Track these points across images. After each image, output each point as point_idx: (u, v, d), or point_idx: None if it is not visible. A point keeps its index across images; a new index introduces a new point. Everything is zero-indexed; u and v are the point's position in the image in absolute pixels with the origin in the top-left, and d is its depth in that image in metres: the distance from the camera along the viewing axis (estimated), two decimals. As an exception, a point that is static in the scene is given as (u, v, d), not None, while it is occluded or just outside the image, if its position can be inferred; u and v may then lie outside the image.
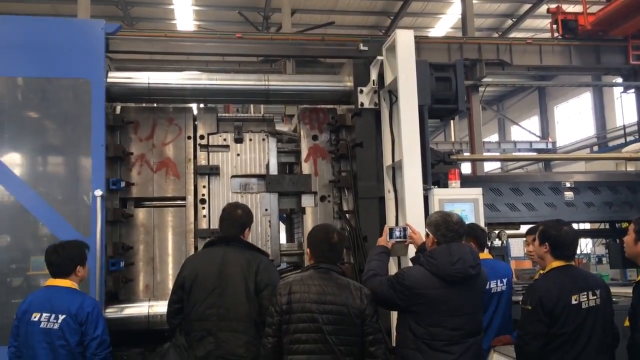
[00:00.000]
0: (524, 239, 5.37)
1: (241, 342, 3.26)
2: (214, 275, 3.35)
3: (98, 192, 4.18)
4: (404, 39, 4.56)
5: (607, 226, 6.75)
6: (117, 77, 4.84)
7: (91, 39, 4.41)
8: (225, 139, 5.17)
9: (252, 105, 12.33)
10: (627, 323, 3.31)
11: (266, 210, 5.09)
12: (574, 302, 3.15)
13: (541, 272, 4.13)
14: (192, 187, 4.99)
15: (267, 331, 3.04)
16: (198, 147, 5.09)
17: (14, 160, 4.30)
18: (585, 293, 3.18)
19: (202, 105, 5.47)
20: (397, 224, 4.60)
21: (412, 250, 3.69)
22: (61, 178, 4.39)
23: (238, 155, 5.17)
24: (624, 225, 6.36)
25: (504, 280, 4.28)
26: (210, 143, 5.12)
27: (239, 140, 5.18)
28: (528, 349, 3.19)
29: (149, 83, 4.86)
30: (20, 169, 4.29)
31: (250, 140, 5.22)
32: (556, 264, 3.30)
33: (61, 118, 4.41)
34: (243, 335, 3.27)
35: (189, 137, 5.08)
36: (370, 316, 3.04)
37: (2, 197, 4.22)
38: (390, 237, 3.58)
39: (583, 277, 3.29)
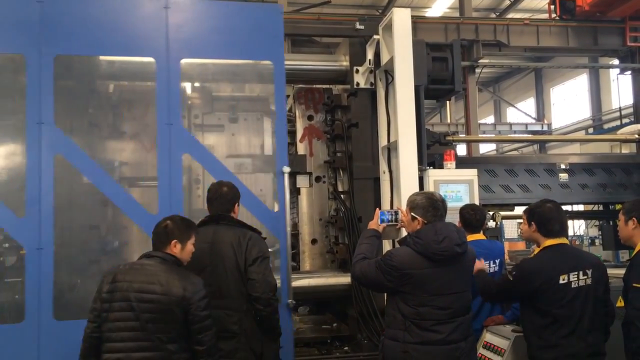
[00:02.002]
0: (520, 220, 5.38)
1: (234, 319, 3.29)
2: (205, 254, 3.36)
3: (286, 169, 4.27)
4: (401, 18, 4.51)
5: (601, 208, 6.78)
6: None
7: (273, 23, 4.47)
8: (219, 119, 5.13)
9: (246, 85, 12.24)
10: (620, 304, 3.34)
11: (261, 190, 5.07)
12: (562, 281, 3.18)
13: (535, 252, 4.14)
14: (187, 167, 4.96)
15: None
16: (192, 127, 5.05)
17: (210, 142, 4.58)
18: (576, 273, 3.21)
19: (196, 84, 5.42)
20: (392, 204, 4.60)
21: (404, 234, 3.69)
22: (250, 156, 4.70)
23: (233, 135, 5.14)
24: (618, 207, 6.39)
25: (497, 261, 4.30)
26: (205, 123, 5.08)
27: (233, 120, 5.14)
28: (485, 291, 3.53)
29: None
30: (217, 150, 4.53)
31: (245, 120, 5.18)
32: (548, 242, 3.32)
33: (248, 100, 4.75)
34: (235, 313, 3.30)
35: (183, 117, 5.04)
36: None
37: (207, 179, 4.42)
38: (382, 220, 3.58)
39: (575, 257, 3.32)
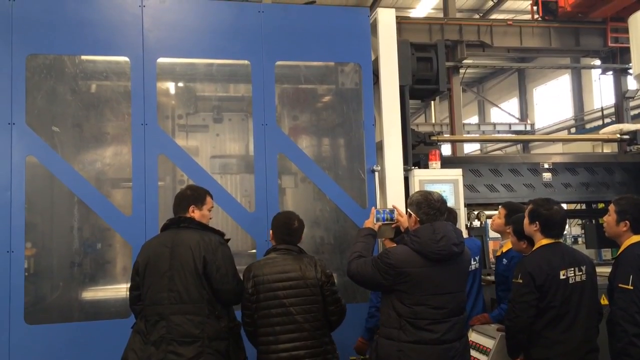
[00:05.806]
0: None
1: (195, 322, 3.22)
2: (166, 259, 3.30)
3: (377, 167, 4.46)
4: (386, 19, 4.52)
5: (584, 207, 6.84)
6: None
7: (360, 27, 4.58)
8: (204, 119, 5.09)
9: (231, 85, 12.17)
10: (604, 301, 3.38)
11: (246, 191, 5.04)
12: (562, 277, 3.22)
13: (503, 249, 4.16)
14: (171, 168, 4.91)
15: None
16: (176, 127, 5.01)
17: (302, 141, 4.84)
18: (573, 269, 3.26)
19: (180, 84, 5.37)
20: (376, 204, 4.60)
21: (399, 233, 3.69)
22: (339, 155, 4.91)
23: (217, 135, 5.10)
24: (600, 206, 6.45)
25: (477, 259, 4.33)
26: (189, 123, 5.04)
27: (218, 120, 5.10)
28: (519, 320, 3.22)
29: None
30: (307, 149, 4.79)
31: (230, 120, 5.15)
32: (545, 241, 3.35)
33: (338, 101, 4.89)
34: (196, 317, 3.23)
35: (167, 117, 4.99)
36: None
37: (299, 177, 4.82)
38: (377, 219, 3.57)
39: (570, 254, 3.36)
